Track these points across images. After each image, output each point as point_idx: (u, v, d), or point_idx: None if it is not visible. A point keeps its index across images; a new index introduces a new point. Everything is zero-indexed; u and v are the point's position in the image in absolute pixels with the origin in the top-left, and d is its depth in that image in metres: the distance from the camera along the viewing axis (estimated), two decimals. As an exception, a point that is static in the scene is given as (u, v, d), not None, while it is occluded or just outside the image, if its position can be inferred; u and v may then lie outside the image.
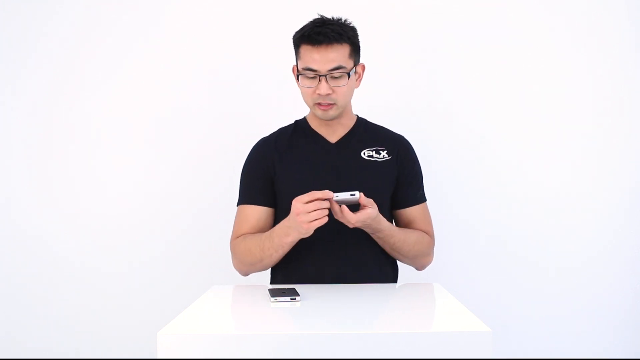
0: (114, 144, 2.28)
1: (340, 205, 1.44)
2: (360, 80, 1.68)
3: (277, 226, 1.54)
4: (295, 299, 1.32)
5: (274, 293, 1.34)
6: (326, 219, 1.41)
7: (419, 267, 1.74)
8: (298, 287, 1.43)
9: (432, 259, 1.75)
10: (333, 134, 1.69)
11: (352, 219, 1.44)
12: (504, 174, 2.28)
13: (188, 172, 2.28)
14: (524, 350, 2.28)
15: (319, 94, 1.56)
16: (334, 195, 1.41)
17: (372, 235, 1.59)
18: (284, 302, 1.31)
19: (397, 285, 1.64)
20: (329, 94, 1.56)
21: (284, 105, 2.09)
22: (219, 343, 1.08)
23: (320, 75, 1.54)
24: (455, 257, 2.28)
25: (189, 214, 2.28)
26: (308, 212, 1.39)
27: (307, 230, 1.42)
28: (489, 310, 2.08)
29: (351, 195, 1.41)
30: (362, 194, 1.43)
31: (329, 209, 1.43)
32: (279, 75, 2.10)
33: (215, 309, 1.36)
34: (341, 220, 1.46)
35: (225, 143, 2.24)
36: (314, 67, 1.54)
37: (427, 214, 1.74)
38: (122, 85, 2.28)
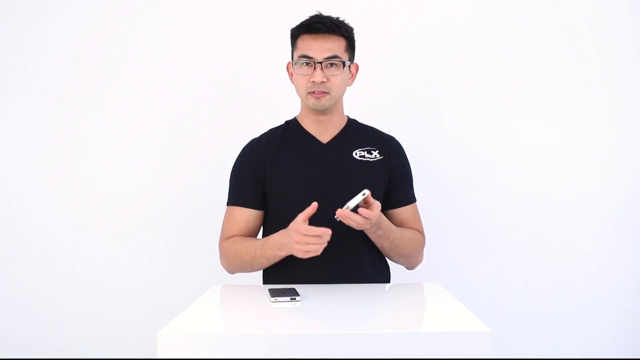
0: (113, 145, 2.28)
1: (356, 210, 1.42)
2: (353, 80, 1.70)
3: (271, 239, 1.56)
4: (295, 299, 1.32)
5: (274, 293, 1.34)
6: (321, 251, 1.43)
7: (411, 267, 1.75)
8: (298, 287, 1.43)
9: (422, 259, 1.76)
10: (325, 134, 1.69)
11: (374, 216, 1.42)
12: (502, 174, 2.28)
13: (188, 172, 2.28)
14: (524, 350, 2.28)
15: (313, 81, 1.58)
16: (346, 205, 1.40)
17: (374, 235, 1.58)
18: (284, 302, 1.31)
19: (397, 285, 1.64)
20: (323, 82, 1.58)
21: (283, 105, 2.09)
22: (219, 343, 1.08)
23: (315, 63, 1.57)
24: (454, 257, 2.28)
25: (189, 213, 2.28)
26: (306, 243, 1.42)
27: (302, 256, 1.45)
28: (489, 310, 2.08)
29: (362, 195, 1.40)
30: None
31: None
32: (277, 76, 2.09)
33: (215, 309, 1.36)
34: (363, 222, 1.43)
35: (226, 143, 2.23)
36: (311, 54, 1.58)
37: (417, 214, 1.76)
38: (119, 87, 2.28)
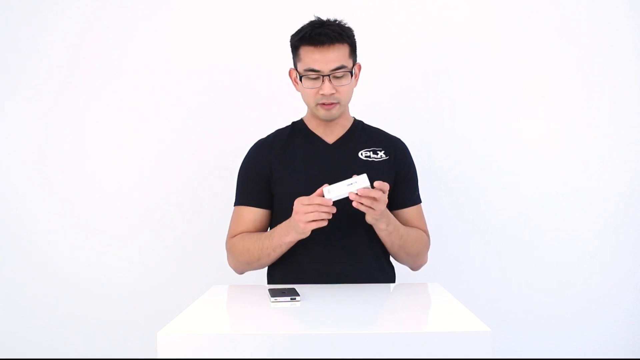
0: (114, 146, 2.28)
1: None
2: (357, 80, 1.69)
3: (279, 226, 1.57)
4: (295, 299, 1.32)
5: (274, 293, 1.34)
6: (325, 223, 1.44)
7: (416, 267, 1.75)
8: (298, 287, 1.43)
9: (427, 259, 1.77)
10: (331, 135, 1.69)
11: (385, 188, 1.43)
12: (503, 174, 2.28)
13: (188, 172, 2.28)
14: (524, 350, 2.28)
15: (322, 94, 1.57)
16: (352, 191, 1.40)
17: (385, 230, 1.56)
18: (284, 302, 1.31)
19: (397, 285, 1.64)
20: (332, 94, 1.57)
21: (283, 106, 2.10)
22: (219, 343, 1.08)
23: (323, 76, 1.56)
24: (455, 257, 2.28)
25: (189, 214, 2.28)
26: (306, 212, 1.42)
27: (304, 230, 1.45)
28: (489, 310, 2.08)
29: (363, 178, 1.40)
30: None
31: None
32: (278, 77, 2.10)
33: (215, 309, 1.36)
34: (375, 206, 1.43)
35: (226, 143, 2.24)
36: (317, 67, 1.56)
37: (422, 215, 1.76)
38: (120, 87, 2.28)
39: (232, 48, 2.26)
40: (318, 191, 1.45)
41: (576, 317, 2.27)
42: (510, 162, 2.28)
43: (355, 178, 1.42)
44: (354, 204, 1.42)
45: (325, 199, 1.41)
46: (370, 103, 2.13)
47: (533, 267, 2.28)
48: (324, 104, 1.59)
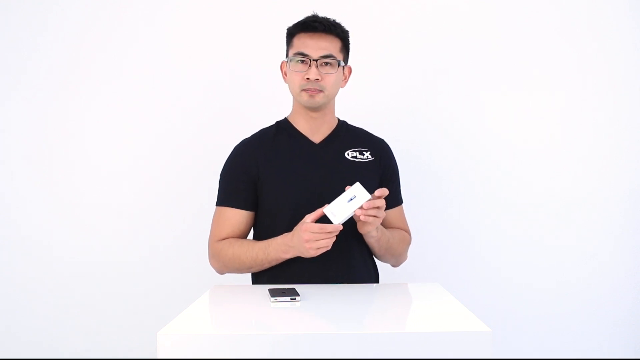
0: (113, 146, 2.28)
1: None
2: (346, 82, 1.70)
3: (275, 242, 1.56)
4: (295, 299, 1.32)
5: (274, 293, 1.34)
6: (331, 246, 1.46)
7: (397, 265, 1.79)
8: (298, 287, 1.43)
9: (407, 257, 1.80)
10: (317, 134, 1.69)
11: (384, 193, 1.46)
12: (503, 174, 2.28)
13: (188, 172, 2.28)
14: (524, 350, 2.28)
15: (307, 78, 1.59)
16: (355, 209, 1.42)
17: (375, 237, 1.58)
18: (284, 302, 1.31)
19: (397, 285, 1.64)
20: (317, 80, 1.59)
21: (284, 105, 2.09)
22: (219, 343, 1.08)
23: (311, 60, 1.58)
24: (455, 257, 2.28)
25: (190, 213, 2.27)
26: (317, 240, 1.44)
27: (314, 255, 1.48)
28: (489, 310, 2.08)
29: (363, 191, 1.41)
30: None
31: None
32: (279, 77, 2.10)
33: (215, 309, 1.36)
34: (376, 216, 1.46)
35: (226, 143, 2.22)
36: (306, 51, 1.59)
37: (404, 215, 1.79)
38: (120, 87, 2.28)
39: (232, 48, 2.26)
40: (318, 212, 1.46)
41: (576, 317, 2.27)
42: (511, 162, 2.28)
43: (351, 191, 1.42)
44: (362, 218, 1.43)
45: (336, 225, 1.42)
46: (370, 103, 2.13)
47: (533, 267, 2.28)
48: (308, 90, 1.60)
